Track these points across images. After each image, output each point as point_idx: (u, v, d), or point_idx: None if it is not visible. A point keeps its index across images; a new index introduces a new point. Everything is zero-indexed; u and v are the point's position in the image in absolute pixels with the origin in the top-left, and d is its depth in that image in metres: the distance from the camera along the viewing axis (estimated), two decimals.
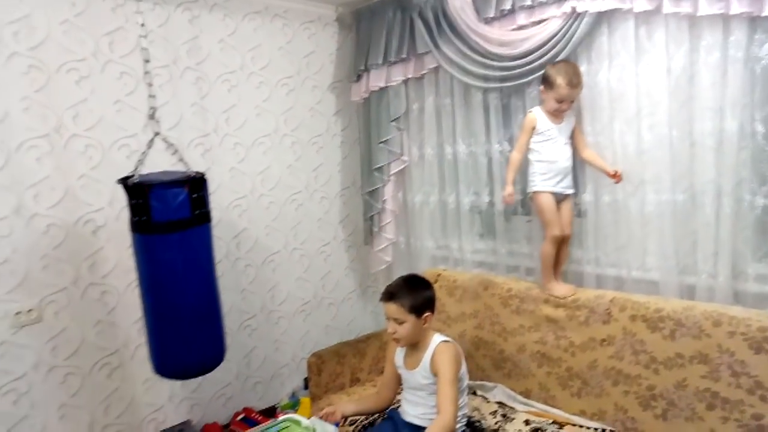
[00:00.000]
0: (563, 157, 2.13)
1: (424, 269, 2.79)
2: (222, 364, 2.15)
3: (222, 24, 2.73)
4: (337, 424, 1.78)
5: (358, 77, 3.00)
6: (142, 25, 2.08)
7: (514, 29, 2.31)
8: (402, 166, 2.98)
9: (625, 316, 1.92)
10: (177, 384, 2.65)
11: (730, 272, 1.89)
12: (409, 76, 2.81)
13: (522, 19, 2.27)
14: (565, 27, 2.12)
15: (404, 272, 2.09)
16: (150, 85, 2.05)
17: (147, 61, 2.05)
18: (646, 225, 2.07)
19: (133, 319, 2.50)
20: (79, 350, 2.38)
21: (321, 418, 1.91)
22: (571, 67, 2.05)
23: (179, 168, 2.11)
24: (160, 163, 2.13)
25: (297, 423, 1.85)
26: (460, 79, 2.54)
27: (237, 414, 2.81)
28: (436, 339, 1.89)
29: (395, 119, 2.90)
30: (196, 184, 1.97)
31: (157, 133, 2.04)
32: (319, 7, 3.06)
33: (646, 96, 2.01)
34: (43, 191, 2.27)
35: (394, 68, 2.82)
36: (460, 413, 1.82)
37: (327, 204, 3.22)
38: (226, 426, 2.74)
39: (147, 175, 2.00)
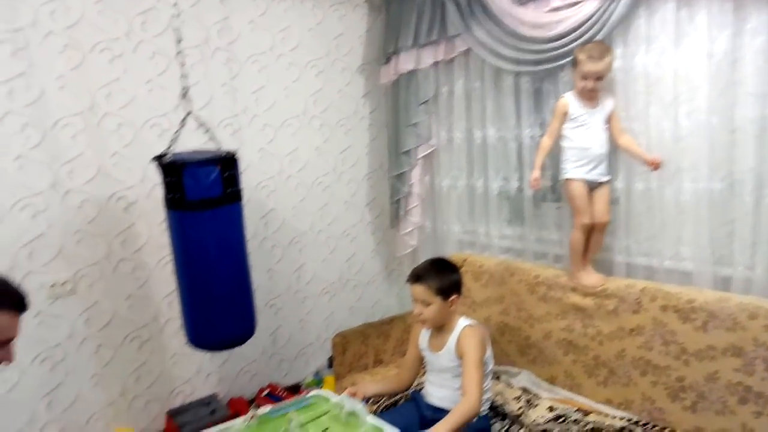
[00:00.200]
0: (597, 144, 2.08)
1: (450, 254, 2.78)
2: (249, 341, 2.19)
3: (252, 4, 2.73)
4: (366, 401, 1.79)
5: (388, 59, 2.97)
6: (175, 4, 2.09)
7: (548, 11, 2.25)
8: (430, 150, 2.95)
9: (655, 306, 1.89)
10: (205, 358, 2.71)
11: None
12: (439, 58, 2.76)
13: (557, 0, 2.22)
14: (602, 9, 2.06)
15: (430, 256, 2.08)
16: (182, 64, 2.08)
17: (179, 40, 2.07)
18: (681, 214, 2.02)
19: (162, 294, 2.56)
20: (111, 323, 2.45)
21: None
22: (594, 44, 2.01)
23: (210, 147, 2.14)
24: (190, 143, 2.16)
25: (326, 399, 1.88)
26: (492, 63, 2.50)
27: (262, 389, 2.87)
28: (462, 322, 1.89)
29: (424, 102, 2.87)
30: (228, 163, 1.99)
31: (189, 112, 2.07)
32: None
33: (684, 81, 1.95)
34: (77, 168, 2.32)
35: (424, 51, 2.79)
36: (484, 397, 1.83)
37: (354, 186, 3.22)
38: (252, 401, 2.79)
39: (179, 153, 2.04)
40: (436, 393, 1.92)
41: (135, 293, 2.51)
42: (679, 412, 1.80)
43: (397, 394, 2.13)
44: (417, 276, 1.86)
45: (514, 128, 2.54)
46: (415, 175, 2.99)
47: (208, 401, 2.69)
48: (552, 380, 2.18)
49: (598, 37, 2.06)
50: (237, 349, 2.34)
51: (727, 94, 1.87)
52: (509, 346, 2.34)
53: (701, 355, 1.76)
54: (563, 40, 2.18)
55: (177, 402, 2.66)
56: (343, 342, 2.56)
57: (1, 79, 2.13)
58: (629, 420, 1.86)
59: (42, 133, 2.23)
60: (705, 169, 1.93)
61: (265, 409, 1.79)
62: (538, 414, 1.95)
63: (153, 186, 2.46)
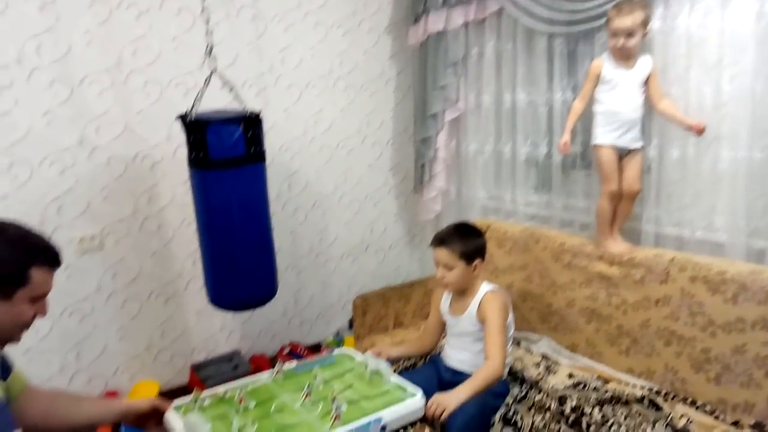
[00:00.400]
0: (629, 107, 1.99)
1: (473, 220, 2.74)
2: (271, 301, 2.22)
3: None
4: (389, 363, 1.81)
5: (416, 19, 2.89)
6: None
7: None
8: (457, 114, 2.90)
9: (684, 276, 1.84)
10: (227, 316, 2.76)
11: None
12: (470, 19, 2.68)
13: None
14: None
15: (453, 222, 2.06)
16: (207, 21, 2.04)
17: None
18: (716, 183, 1.95)
19: (186, 252, 2.59)
20: (137, 278, 2.50)
21: None
22: (628, 1, 1.92)
23: (234, 107, 2.12)
24: (214, 102, 2.14)
25: (350, 357, 1.90)
26: (525, 23, 2.41)
27: (283, 348, 2.92)
28: (484, 287, 1.88)
29: (453, 64, 2.80)
30: (252, 122, 1.98)
31: (214, 70, 2.05)
32: None
33: (730, 43, 1.85)
34: (104, 125, 2.33)
35: (454, 10, 2.70)
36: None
37: (378, 150, 3.19)
38: (273, 358, 2.85)
39: (204, 112, 2.03)
40: (456, 356, 1.92)
41: (160, 251, 2.55)
42: (703, 384, 1.78)
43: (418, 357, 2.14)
44: (441, 240, 1.85)
45: (545, 92, 2.47)
46: (441, 139, 2.94)
47: (231, 357, 2.76)
48: (573, 348, 2.17)
49: None
50: (259, 309, 2.37)
51: None
52: (531, 312, 2.33)
53: (729, 328, 1.72)
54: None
55: (200, 357, 2.73)
56: (363, 304, 2.58)
57: (29, 34, 2.14)
58: (650, 389, 1.84)
59: (69, 89, 2.24)
60: (745, 137, 1.85)
61: (291, 364, 1.82)
62: (558, 380, 1.94)
63: (178, 146, 2.47)
